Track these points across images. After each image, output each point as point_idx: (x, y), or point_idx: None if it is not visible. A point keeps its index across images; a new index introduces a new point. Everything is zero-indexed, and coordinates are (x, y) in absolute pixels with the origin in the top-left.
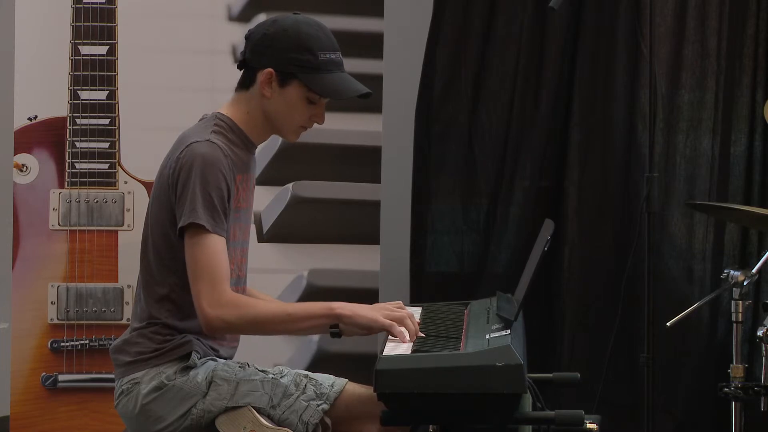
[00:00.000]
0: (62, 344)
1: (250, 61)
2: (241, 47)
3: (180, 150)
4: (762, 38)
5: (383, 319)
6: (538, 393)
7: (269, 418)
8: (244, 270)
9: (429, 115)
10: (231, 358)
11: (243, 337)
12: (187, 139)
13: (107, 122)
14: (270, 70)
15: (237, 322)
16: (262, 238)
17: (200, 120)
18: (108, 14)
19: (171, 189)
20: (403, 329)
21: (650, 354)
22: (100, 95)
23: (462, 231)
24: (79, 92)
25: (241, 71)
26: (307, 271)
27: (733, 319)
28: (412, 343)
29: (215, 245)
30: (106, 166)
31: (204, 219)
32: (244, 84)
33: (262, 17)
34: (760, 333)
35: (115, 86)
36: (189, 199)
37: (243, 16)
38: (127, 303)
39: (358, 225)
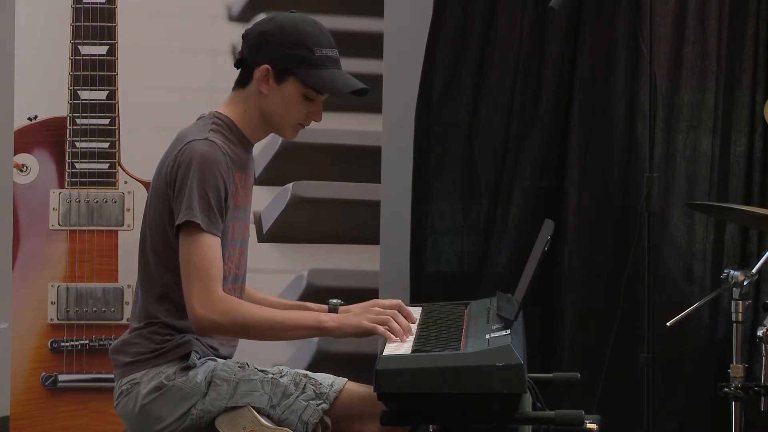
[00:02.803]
0: (62, 344)
1: (247, 59)
2: (239, 47)
3: (178, 148)
4: (762, 38)
5: (367, 324)
6: (538, 393)
7: (269, 418)
8: (242, 269)
9: (429, 115)
10: (230, 357)
11: None
12: (185, 137)
13: (107, 122)
14: (267, 66)
15: (226, 323)
16: (262, 238)
17: (198, 119)
18: (108, 14)
19: (169, 187)
20: (390, 329)
21: (650, 354)
22: (100, 95)
23: (462, 231)
24: (79, 92)
25: (239, 70)
26: (307, 271)
27: (733, 319)
28: (412, 343)
29: (209, 244)
30: (106, 166)
31: (200, 217)
32: (242, 82)
33: (261, 17)
34: (760, 333)
35: (115, 86)
36: (186, 197)
37: (243, 16)
38: (127, 303)
39: (358, 225)
